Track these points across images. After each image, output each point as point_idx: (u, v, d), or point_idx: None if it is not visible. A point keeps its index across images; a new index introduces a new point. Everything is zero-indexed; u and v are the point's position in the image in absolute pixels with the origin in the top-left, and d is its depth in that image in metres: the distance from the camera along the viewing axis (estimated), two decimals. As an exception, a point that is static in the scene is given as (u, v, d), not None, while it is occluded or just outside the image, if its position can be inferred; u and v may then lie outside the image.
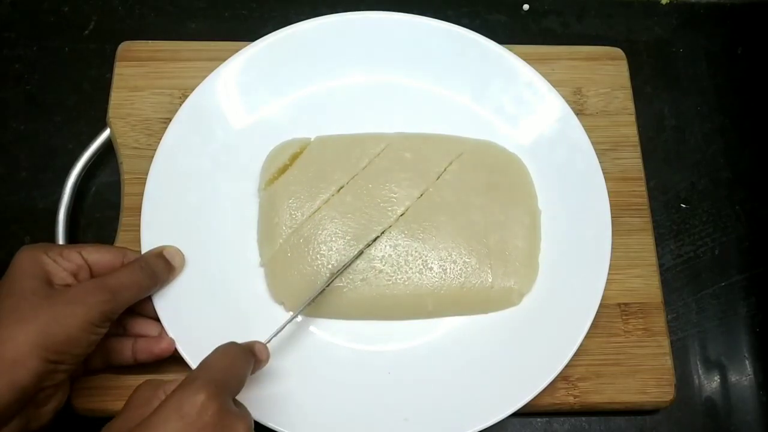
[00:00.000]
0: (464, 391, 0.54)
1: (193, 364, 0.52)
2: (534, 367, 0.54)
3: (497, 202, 0.60)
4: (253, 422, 0.43)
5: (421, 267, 0.57)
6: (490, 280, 0.57)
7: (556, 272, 0.58)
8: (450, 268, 0.57)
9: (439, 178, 0.60)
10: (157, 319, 0.53)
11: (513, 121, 0.63)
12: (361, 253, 0.57)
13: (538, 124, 0.63)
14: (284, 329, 0.54)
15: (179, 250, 0.55)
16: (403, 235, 0.58)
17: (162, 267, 0.53)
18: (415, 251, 0.58)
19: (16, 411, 0.43)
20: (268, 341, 0.50)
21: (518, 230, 0.59)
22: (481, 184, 0.60)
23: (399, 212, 0.59)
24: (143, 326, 0.54)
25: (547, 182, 0.61)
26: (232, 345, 0.46)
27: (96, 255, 0.51)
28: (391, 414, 0.53)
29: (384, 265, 0.57)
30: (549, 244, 0.60)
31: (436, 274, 0.57)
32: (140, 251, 0.55)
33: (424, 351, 0.56)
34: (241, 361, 0.45)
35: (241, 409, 0.44)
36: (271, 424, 0.51)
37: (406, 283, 0.57)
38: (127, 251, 0.53)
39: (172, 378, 0.53)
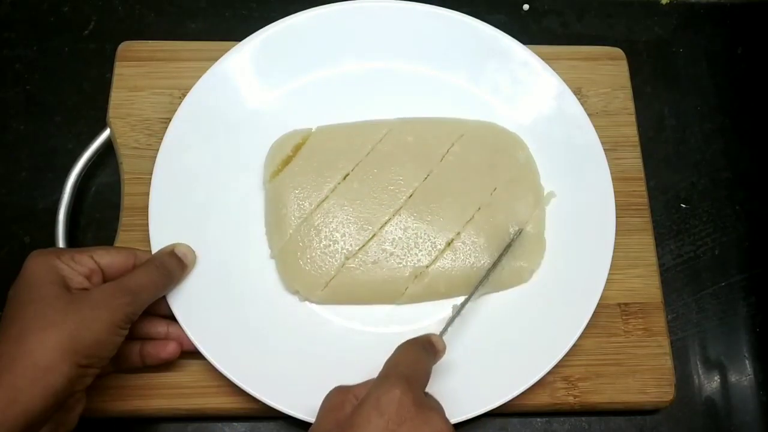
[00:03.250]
0: (480, 370, 0.55)
1: (212, 359, 0.52)
2: (548, 340, 0.55)
3: (501, 181, 0.61)
4: (445, 413, 0.44)
5: (431, 248, 0.58)
6: (499, 259, 0.58)
7: (563, 247, 0.59)
8: (460, 249, 0.58)
9: (442, 159, 0.61)
10: (162, 316, 0.54)
11: (511, 100, 0.64)
12: (374, 235, 0.58)
13: (536, 102, 0.63)
14: (296, 317, 0.56)
15: (190, 247, 0.55)
16: (413, 218, 0.59)
17: (175, 265, 0.53)
18: (425, 233, 0.58)
19: (49, 417, 0.43)
20: (443, 333, 0.51)
21: (523, 208, 0.60)
22: (483, 165, 0.61)
23: (407, 194, 0.60)
24: (148, 326, 0.54)
25: (548, 159, 0.62)
26: (411, 342, 0.48)
27: (107, 258, 0.51)
28: None
29: (395, 248, 0.58)
30: (553, 220, 0.60)
31: (447, 255, 0.58)
32: (150, 251, 0.55)
33: (438, 330, 0.56)
34: (424, 355, 0.47)
35: (434, 402, 0.45)
36: (292, 412, 0.51)
37: (417, 265, 0.57)
38: (137, 252, 0.53)
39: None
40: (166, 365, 0.55)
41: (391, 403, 0.41)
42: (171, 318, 0.54)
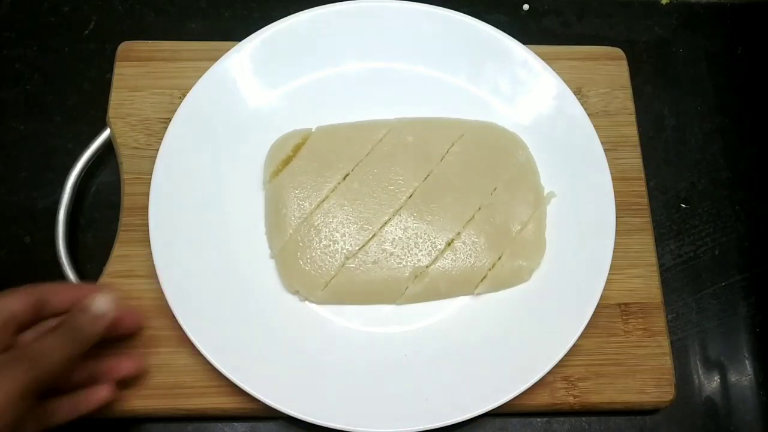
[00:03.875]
0: (481, 368, 0.55)
1: (213, 359, 0.52)
2: (548, 339, 0.55)
3: (501, 181, 0.61)
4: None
5: (431, 249, 0.58)
6: (499, 259, 0.58)
7: (563, 247, 0.59)
8: (460, 249, 0.58)
9: (442, 159, 0.61)
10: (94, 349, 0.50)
11: (511, 100, 0.64)
12: (374, 235, 0.58)
13: (536, 102, 0.64)
14: (296, 317, 0.56)
15: (106, 295, 0.49)
16: (413, 218, 0.59)
17: (87, 323, 0.48)
18: (425, 233, 0.58)
19: None
20: None
21: (523, 208, 0.60)
22: (483, 165, 0.61)
23: (407, 194, 0.60)
24: (68, 380, 0.50)
25: (548, 159, 0.62)
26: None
27: (5, 314, 0.47)
28: (411, 395, 0.53)
29: (395, 248, 0.58)
30: (554, 219, 0.60)
31: (447, 255, 0.58)
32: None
33: (439, 330, 0.57)
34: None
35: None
36: (292, 412, 0.51)
37: (417, 265, 0.57)
38: (41, 290, 0.50)
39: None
40: (130, 381, 0.53)
41: None
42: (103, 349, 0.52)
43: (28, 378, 0.44)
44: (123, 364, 0.52)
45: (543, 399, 0.56)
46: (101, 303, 0.49)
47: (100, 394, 0.51)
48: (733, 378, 0.62)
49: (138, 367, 0.53)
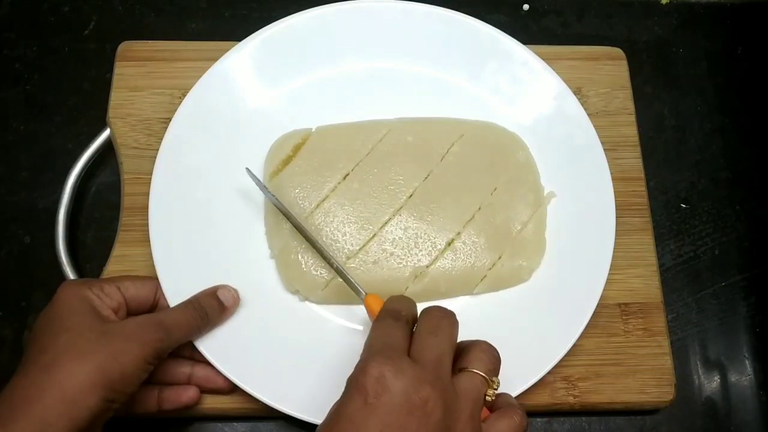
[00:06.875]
0: None
1: (212, 359, 0.52)
2: (548, 339, 0.55)
3: (501, 181, 0.61)
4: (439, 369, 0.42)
5: (431, 249, 0.58)
6: (499, 258, 0.58)
7: (563, 247, 0.59)
8: (460, 249, 0.58)
9: (442, 159, 0.61)
10: (183, 357, 0.53)
11: (511, 100, 0.64)
12: (374, 235, 0.58)
13: (536, 102, 0.64)
14: (296, 317, 0.56)
15: (234, 291, 0.54)
16: (413, 218, 0.59)
17: (215, 307, 0.53)
18: (425, 233, 0.58)
19: None
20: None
21: (523, 208, 0.60)
22: (483, 164, 0.61)
23: (407, 194, 0.60)
24: (172, 368, 0.53)
25: (548, 159, 0.62)
26: (377, 317, 0.45)
27: (132, 290, 0.51)
28: None
29: (395, 248, 0.58)
30: (553, 220, 0.60)
31: (447, 255, 0.58)
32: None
33: None
34: (390, 324, 0.44)
35: (426, 360, 0.42)
36: (292, 412, 0.51)
37: (417, 265, 0.57)
38: (158, 284, 0.54)
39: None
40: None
41: (368, 381, 0.39)
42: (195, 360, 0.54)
43: (162, 345, 0.47)
44: (218, 378, 0.53)
45: (543, 399, 0.56)
46: (226, 291, 0.54)
47: (188, 394, 0.53)
48: (733, 378, 0.62)
49: (229, 388, 0.54)
